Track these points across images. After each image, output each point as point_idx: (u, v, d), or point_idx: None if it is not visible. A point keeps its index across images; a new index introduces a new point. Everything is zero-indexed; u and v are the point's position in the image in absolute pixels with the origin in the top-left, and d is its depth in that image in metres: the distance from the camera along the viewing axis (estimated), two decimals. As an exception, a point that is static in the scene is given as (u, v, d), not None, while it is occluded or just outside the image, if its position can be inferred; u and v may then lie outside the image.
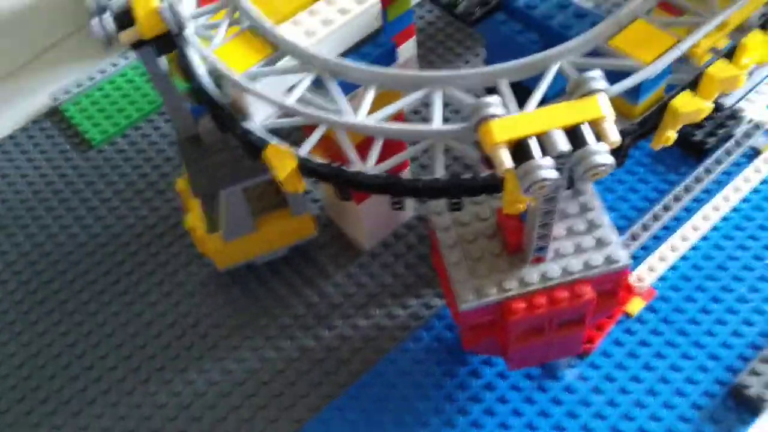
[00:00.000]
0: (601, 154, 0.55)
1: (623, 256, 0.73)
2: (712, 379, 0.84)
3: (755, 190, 0.98)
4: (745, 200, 0.97)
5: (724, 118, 1.03)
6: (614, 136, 0.57)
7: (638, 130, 0.67)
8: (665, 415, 0.82)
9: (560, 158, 0.56)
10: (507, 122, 0.57)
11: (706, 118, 1.00)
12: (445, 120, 0.65)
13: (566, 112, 0.57)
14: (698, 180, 0.98)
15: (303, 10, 0.74)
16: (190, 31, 0.72)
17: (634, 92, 0.67)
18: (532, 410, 0.84)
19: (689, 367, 0.85)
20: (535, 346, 0.78)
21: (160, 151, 1.12)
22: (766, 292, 0.90)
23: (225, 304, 0.96)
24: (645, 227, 0.95)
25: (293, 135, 0.75)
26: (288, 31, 0.72)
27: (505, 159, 0.55)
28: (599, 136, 0.57)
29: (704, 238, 0.95)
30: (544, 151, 0.56)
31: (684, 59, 0.69)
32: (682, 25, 0.68)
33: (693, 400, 0.83)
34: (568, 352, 0.84)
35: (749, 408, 0.82)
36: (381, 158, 0.66)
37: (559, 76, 0.64)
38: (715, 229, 0.96)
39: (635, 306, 0.90)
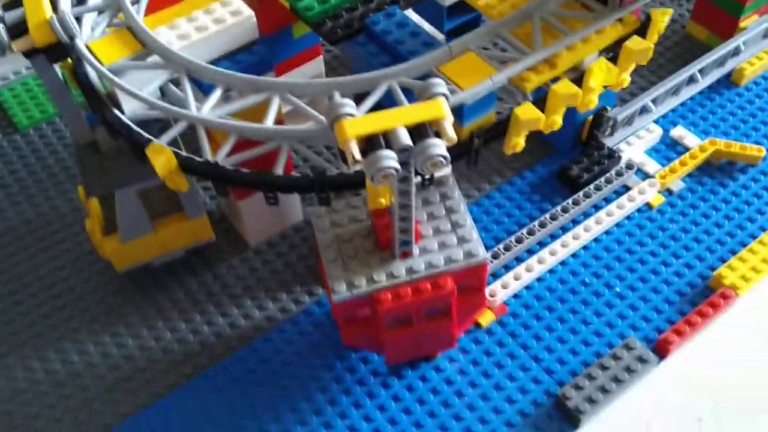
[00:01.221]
0: (438, 147, 0.63)
1: (481, 252, 0.81)
2: (542, 390, 0.91)
3: (618, 224, 1.06)
4: (607, 232, 1.05)
5: (602, 157, 1.10)
6: (451, 133, 0.64)
7: (487, 134, 0.77)
8: (492, 418, 0.88)
9: (403, 151, 0.64)
10: (358, 121, 0.64)
11: (585, 155, 1.09)
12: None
13: (411, 112, 0.65)
14: (565, 210, 1.05)
15: (182, 17, 0.82)
16: (80, 40, 0.78)
17: (459, 115, 0.75)
18: (371, 404, 0.90)
19: (523, 378, 0.92)
20: (408, 338, 0.85)
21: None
22: (608, 317, 0.96)
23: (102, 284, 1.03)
24: (506, 248, 1.02)
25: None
26: (164, 33, 0.80)
27: (355, 151, 0.63)
28: (439, 134, 0.65)
29: (562, 263, 1.02)
30: (390, 146, 0.64)
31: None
32: (509, 60, 0.76)
33: (520, 407, 0.89)
34: (441, 346, 0.91)
35: (569, 419, 0.88)
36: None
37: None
38: (574, 255, 1.03)
39: (486, 318, 0.96)
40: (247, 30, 0.83)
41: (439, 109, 0.65)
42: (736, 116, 1.18)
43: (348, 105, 0.65)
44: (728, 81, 1.22)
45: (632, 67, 0.83)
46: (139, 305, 1.01)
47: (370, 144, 0.64)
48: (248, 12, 0.83)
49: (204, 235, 1.01)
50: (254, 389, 0.92)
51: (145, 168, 0.74)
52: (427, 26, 0.85)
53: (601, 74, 0.80)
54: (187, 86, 0.74)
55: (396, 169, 0.63)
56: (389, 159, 0.63)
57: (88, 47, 0.76)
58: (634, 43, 0.80)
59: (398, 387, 0.91)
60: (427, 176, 0.81)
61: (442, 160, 0.64)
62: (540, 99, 0.78)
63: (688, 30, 1.31)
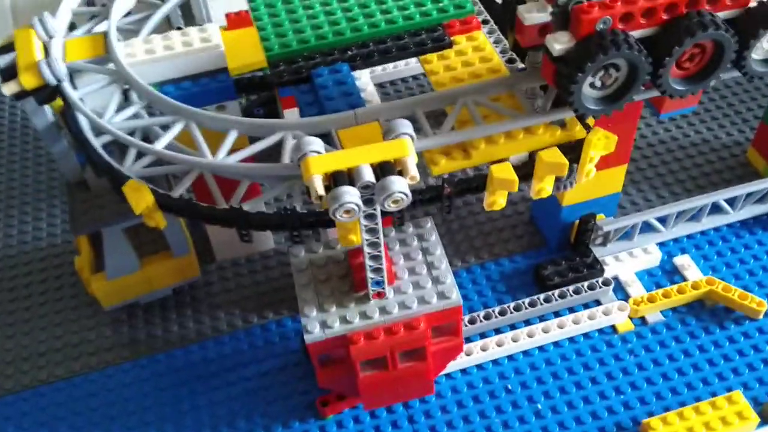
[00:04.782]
0: (399, 184, 0.65)
1: (455, 294, 0.81)
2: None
3: (572, 340, 0.98)
4: (568, 341, 0.98)
5: (582, 265, 1.03)
6: (414, 172, 0.66)
7: (460, 184, 0.78)
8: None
9: (366, 188, 0.66)
10: (323, 158, 0.67)
11: (566, 258, 1.03)
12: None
13: (376, 151, 0.67)
14: (516, 308, 1.00)
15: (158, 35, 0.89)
16: (68, 84, 0.82)
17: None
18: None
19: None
20: (384, 382, 0.85)
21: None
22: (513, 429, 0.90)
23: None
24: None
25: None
26: (134, 45, 0.87)
27: (318, 187, 0.66)
28: (402, 173, 0.67)
29: (510, 358, 0.97)
30: (354, 182, 0.66)
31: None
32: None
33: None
34: (420, 392, 0.90)
35: None
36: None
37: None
38: (525, 353, 0.97)
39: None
40: (213, 57, 0.88)
41: (403, 148, 0.67)
42: (759, 261, 1.05)
43: (314, 143, 0.68)
44: (769, 222, 1.10)
45: (550, 178, 0.78)
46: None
47: (334, 180, 0.66)
48: (217, 41, 0.87)
49: (191, 274, 1.03)
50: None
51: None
52: (371, 88, 0.85)
53: (543, 165, 0.76)
54: (198, 135, 0.75)
55: (357, 205, 0.65)
56: (350, 195, 0.65)
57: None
58: (549, 154, 0.76)
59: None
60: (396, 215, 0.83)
61: (403, 197, 0.65)
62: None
63: (749, 157, 1.19)
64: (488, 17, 0.94)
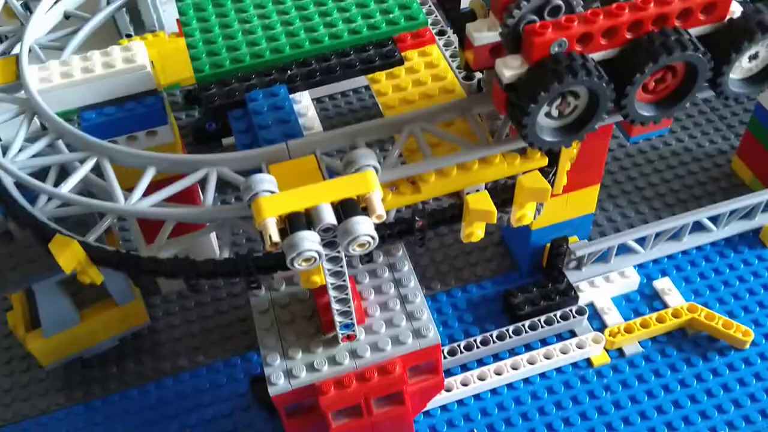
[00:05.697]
0: (364, 226, 0.57)
1: (432, 332, 0.74)
2: None
3: (544, 375, 0.91)
4: (539, 378, 0.90)
5: (555, 292, 0.95)
6: (380, 210, 0.59)
7: (434, 215, 0.71)
8: None
9: (327, 231, 0.58)
10: (277, 198, 0.59)
11: (537, 285, 0.95)
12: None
13: (337, 187, 0.59)
14: (483, 342, 0.92)
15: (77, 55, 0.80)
16: None
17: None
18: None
19: None
20: (359, 430, 0.78)
21: None
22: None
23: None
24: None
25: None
26: (49, 68, 0.78)
27: (273, 233, 0.57)
28: (367, 210, 0.59)
29: (476, 397, 0.89)
30: (313, 225, 0.58)
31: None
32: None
33: None
34: None
35: None
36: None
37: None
38: (493, 392, 0.90)
39: None
40: (139, 80, 0.80)
41: (368, 182, 0.59)
42: (745, 283, 0.98)
43: (267, 181, 0.60)
44: (756, 238, 1.02)
45: (530, 205, 0.71)
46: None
47: (290, 224, 0.58)
48: (142, 61, 0.79)
49: (138, 321, 0.94)
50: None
51: None
52: (312, 112, 0.77)
53: (524, 191, 0.69)
54: (111, 175, 0.67)
55: (318, 252, 0.57)
56: (309, 241, 0.57)
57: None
58: (530, 179, 0.68)
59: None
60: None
61: (370, 240, 0.57)
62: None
63: (733, 167, 1.11)
64: (445, 27, 0.86)
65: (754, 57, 0.63)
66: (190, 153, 1.16)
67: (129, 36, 1.37)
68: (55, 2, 0.91)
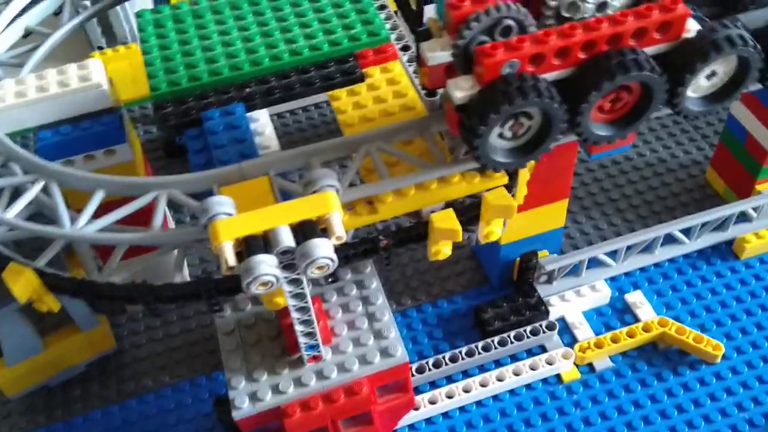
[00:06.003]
0: (323, 248, 0.56)
1: (400, 351, 0.73)
2: None
3: (514, 392, 0.90)
4: (509, 394, 0.89)
5: (525, 306, 0.94)
6: (340, 231, 0.58)
7: (399, 234, 0.70)
8: None
9: (285, 254, 0.57)
10: (234, 221, 0.58)
11: (507, 300, 0.94)
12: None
13: (296, 208, 0.58)
14: (452, 359, 0.91)
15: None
16: None
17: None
18: None
19: None
20: None
21: None
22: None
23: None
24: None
25: None
26: (3, 87, 0.77)
27: (229, 257, 0.56)
28: (327, 232, 0.58)
29: (444, 415, 0.88)
30: (270, 248, 0.57)
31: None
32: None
33: None
34: None
35: None
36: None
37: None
38: (462, 409, 0.89)
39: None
40: (94, 98, 0.78)
41: (328, 203, 0.58)
42: (717, 295, 0.97)
43: (225, 203, 0.59)
44: (729, 250, 1.01)
45: (497, 221, 0.70)
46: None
47: (247, 247, 0.57)
48: (98, 79, 0.78)
49: (105, 346, 0.92)
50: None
51: None
52: (269, 131, 0.76)
53: (490, 208, 0.68)
54: (58, 199, 0.65)
55: (276, 276, 0.56)
56: (266, 265, 0.56)
57: None
58: (495, 196, 0.67)
59: None
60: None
61: (329, 262, 0.57)
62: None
63: (707, 177, 1.10)
64: (410, 43, 0.85)
65: (713, 75, 0.62)
66: (160, 168, 1.15)
67: (101, 48, 1.36)
68: (15, 18, 0.90)
